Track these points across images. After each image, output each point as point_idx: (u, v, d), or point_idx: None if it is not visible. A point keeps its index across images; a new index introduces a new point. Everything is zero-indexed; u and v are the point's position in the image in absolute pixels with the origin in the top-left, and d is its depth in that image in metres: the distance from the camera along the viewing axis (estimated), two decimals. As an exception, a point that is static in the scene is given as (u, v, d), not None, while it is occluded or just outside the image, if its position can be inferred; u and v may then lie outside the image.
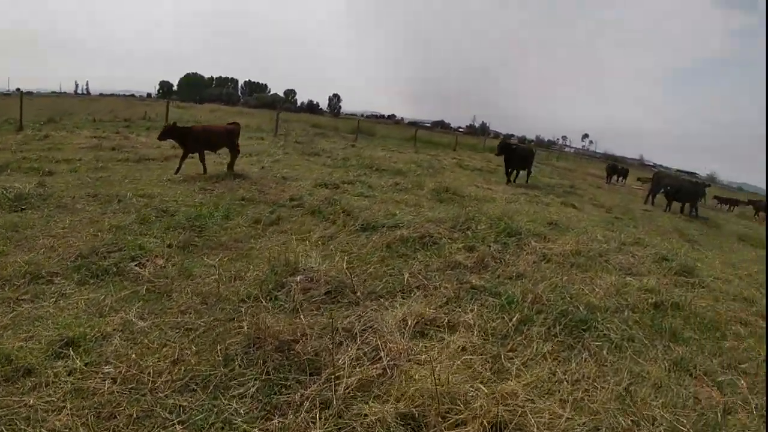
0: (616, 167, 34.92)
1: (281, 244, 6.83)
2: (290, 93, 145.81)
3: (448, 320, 4.89)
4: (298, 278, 5.43)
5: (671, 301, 6.24)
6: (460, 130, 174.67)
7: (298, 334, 4.28)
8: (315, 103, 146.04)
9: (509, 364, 4.24)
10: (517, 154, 17.95)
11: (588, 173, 40.88)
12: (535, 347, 4.56)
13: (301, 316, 4.66)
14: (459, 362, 4.12)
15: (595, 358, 4.53)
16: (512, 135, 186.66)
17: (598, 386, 4.08)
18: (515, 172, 18.66)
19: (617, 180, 34.40)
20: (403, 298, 5.43)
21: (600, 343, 4.78)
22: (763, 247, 15.69)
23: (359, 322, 4.60)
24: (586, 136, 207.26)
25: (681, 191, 19.62)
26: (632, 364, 4.54)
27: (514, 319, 4.98)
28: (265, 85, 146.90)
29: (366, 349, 4.19)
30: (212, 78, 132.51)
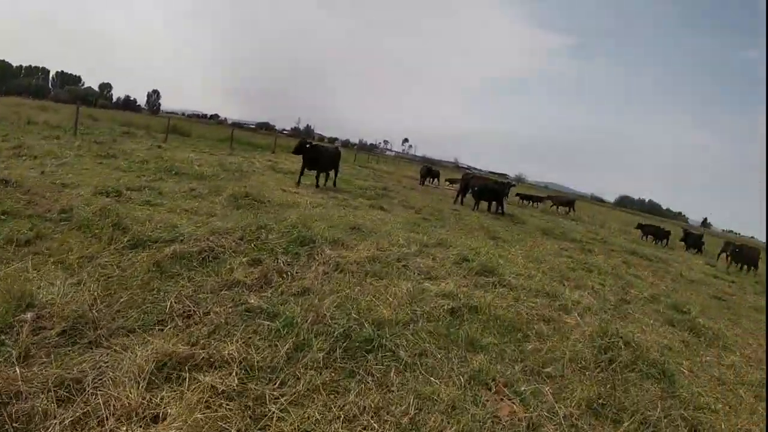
0: (430, 169, 36.76)
1: (23, 271, 5.44)
2: (106, 87, 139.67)
3: (206, 356, 4.12)
4: (29, 316, 4.36)
5: (470, 304, 6.14)
6: (285, 132, 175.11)
7: (12, 392, 3.39)
8: (132, 99, 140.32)
9: (273, 407, 3.59)
10: (320, 155, 17.31)
11: (405, 175, 42.44)
12: (308, 379, 3.98)
13: (17, 369, 3.62)
14: (202, 417, 3.37)
15: (379, 385, 4.08)
16: (336, 138, 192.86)
17: (381, 419, 3.62)
18: (325, 174, 18.17)
19: (431, 181, 36.24)
20: (161, 330, 4.56)
21: (387, 365, 4.36)
22: (564, 239, 17.36)
23: (94, 370, 3.74)
24: (406, 140, 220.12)
25: (487, 190, 21.02)
26: (422, 386, 4.17)
27: (287, 346, 4.37)
28: (79, 77, 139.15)
29: (90, 408, 3.38)
30: (21, 67, 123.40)
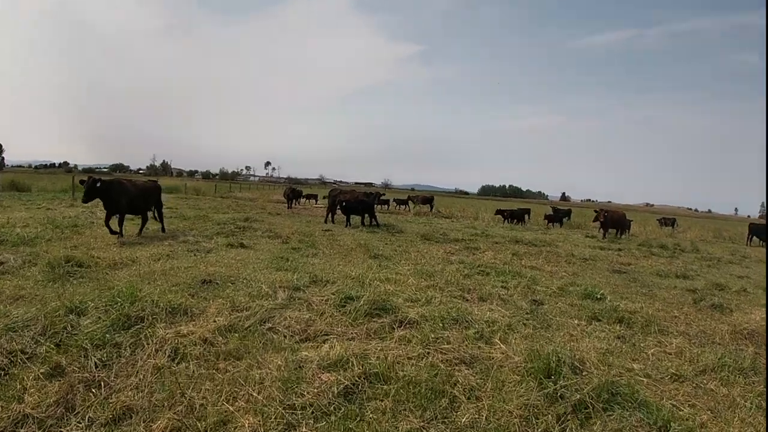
0: (294, 190, 34.78)
1: None
2: None
3: None
4: None
5: (368, 371, 4.41)
6: (141, 171, 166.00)
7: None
8: None
9: None
10: (121, 194, 12.91)
11: (269, 200, 40.14)
12: None
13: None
14: None
15: None
16: (196, 171, 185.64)
17: None
18: (142, 218, 14.12)
19: (296, 203, 34.30)
20: None
21: None
22: (446, 241, 16.20)
23: None
24: (268, 163, 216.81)
25: (356, 204, 19.53)
26: None
27: None
28: None
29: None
30: None
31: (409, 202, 40.57)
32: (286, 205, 32.07)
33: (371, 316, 6.17)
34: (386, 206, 38.37)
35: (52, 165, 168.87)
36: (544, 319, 7.18)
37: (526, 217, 32.27)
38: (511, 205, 42.19)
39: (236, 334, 5.39)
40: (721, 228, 43.04)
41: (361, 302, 6.41)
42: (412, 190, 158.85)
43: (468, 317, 6.47)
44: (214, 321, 5.72)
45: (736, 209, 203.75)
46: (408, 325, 6.03)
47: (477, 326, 6.20)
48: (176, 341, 5.17)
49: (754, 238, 29.60)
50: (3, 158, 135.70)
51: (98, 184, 12.21)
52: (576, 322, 7.18)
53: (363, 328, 5.78)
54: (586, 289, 9.36)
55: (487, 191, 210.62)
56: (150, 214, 14.71)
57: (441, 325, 6.10)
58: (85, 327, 5.50)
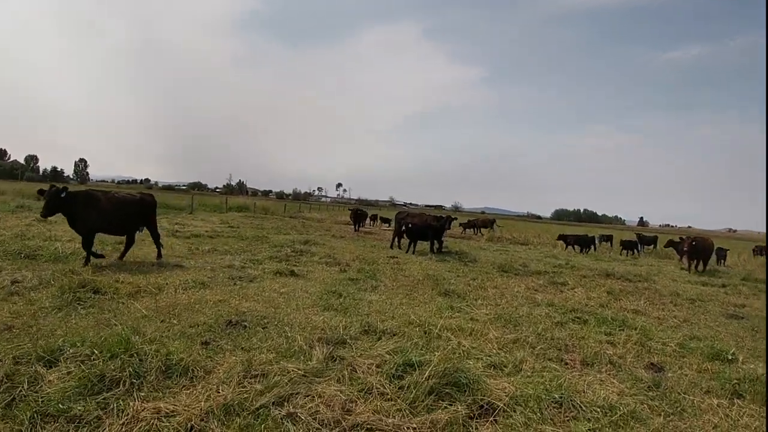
0: (359, 211, 33.09)
1: None
2: (32, 159, 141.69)
3: None
4: None
5: None
6: (218, 190, 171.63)
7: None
8: (60, 170, 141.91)
9: None
10: (91, 208, 10.37)
11: (337, 221, 39.04)
12: None
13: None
14: None
15: None
16: (270, 191, 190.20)
17: None
18: (127, 239, 11.68)
19: (358, 226, 32.43)
20: None
21: None
22: (527, 273, 14.17)
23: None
24: (340, 185, 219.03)
25: (424, 228, 17.74)
26: None
27: None
28: (4, 150, 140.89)
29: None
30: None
31: (475, 226, 39.63)
32: (353, 227, 30.54)
33: (439, 397, 4.32)
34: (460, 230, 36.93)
35: (134, 181, 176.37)
36: (673, 397, 5.19)
37: (597, 243, 29.28)
38: (587, 231, 39.14)
39: (238, 420, 3.72)
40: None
41: (427, 373, 4.55)
42: (483, 213, 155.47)
43: (575, 398, 4.56)
44: (217, 392, 4.09)
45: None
46: (492, 413, 4.19)
47: (590, 413, 4.31)
48: (151, 424, 3.58)
49: None
50: (87, 173, 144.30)
51: (62, 195, 9.89)
52: (716, 402, 5.14)
53: (426, 419, 3.97)
54: (712, 346, 7.27)
55: (560, 215, 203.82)
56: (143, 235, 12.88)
57: (539, 412, 4.23)
58: (48, 385, 4.04)
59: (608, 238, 30.82)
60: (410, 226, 17.58)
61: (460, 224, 38.07)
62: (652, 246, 30.89)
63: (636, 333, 7.67)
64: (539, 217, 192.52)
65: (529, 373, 5.33)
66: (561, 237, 29.65)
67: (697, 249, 19.39)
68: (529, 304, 9.63)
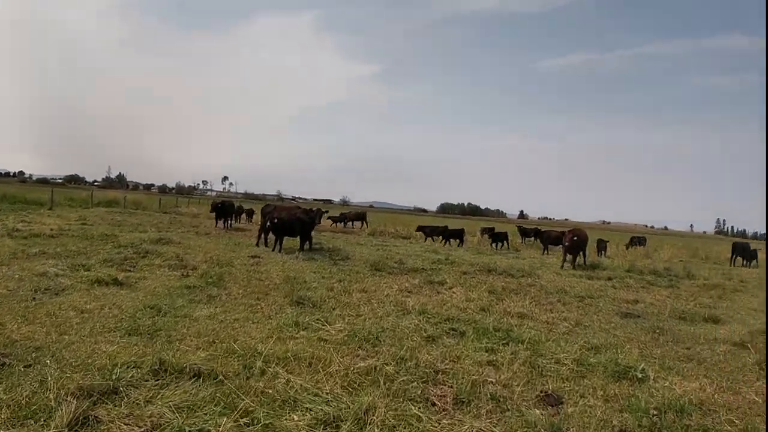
0: (225, 204, 27.07)
1: None
2: None
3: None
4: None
5: None
6: (96, 183, 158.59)
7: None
8: None
9: None
10: None
11: (212, 216, 35.78)
12: None
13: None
14: None
15: None
16: (152, 184, 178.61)
17: None
18: None
19: (227, 222, 27.65)
20: None
21: None
22: (402, 272, 12.66)
23: None
24: (225, 178, 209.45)
25: (291, 222, 15.77)
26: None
27: None
28: None
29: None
30: None
31: (345, 219, 37.68)
32: (218, 223, 26.01)
33: None
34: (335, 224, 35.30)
35: (7, 174, 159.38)
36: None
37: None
38: (471, 224, 38.85)
39: None
40: (690, 245, 41.00)
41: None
42: (371, 207, 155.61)
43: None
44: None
45: (691, 225, 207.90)
46: None
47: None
48: None
49: (738, 258, 27.17)
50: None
51: None
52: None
53: None
54: (615, 360, 6.00)
55: (446, 209, 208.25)
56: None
57: None
58: None
59: (489, 231, 30.10)
60: (275, 221, 15.50)
61: (329, 217, 34.64)
62: (533, 238, 30.59)
63: (524, 348, 6.25)
64: (425, 211, 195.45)
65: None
66: (420, 228, 28.83)
67: (578, 242, 18.15)
68: (398, 312, 8.01)
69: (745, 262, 27.03)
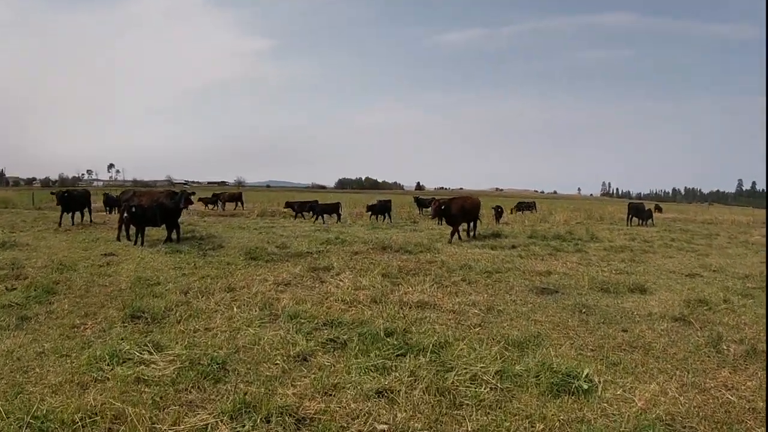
0: (70, 193, 23.55)
1: None
2: None
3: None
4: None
5: None
6: None
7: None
8: None
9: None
10: None
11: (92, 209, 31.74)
12: None
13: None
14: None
15: None
16: (34, 178, 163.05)
17: None
18: None
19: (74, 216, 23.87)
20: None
21: None
22: (273, 261, 10.76)
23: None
24: (111, 166, 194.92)
25: (150, 209, 13.34)
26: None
27: None
28: None
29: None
30: None
31: (218, 201, 34.20)
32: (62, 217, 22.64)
33: None
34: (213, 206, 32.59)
35: None
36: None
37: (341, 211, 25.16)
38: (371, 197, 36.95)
39: None
40: (582, 208, 41.82)
41: None
42: (267, 187, 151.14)
43: None
44: None
45: (579, 189, 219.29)
46: None
47: None
48: None
49: (634, 218, 27.58)
50: None
51: None
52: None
53: None
54: (548, 364, 4.52)
55: (344, 184, 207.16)
56: None
57: None
58: None
59: (385, 204, 28.05)
60: (134, 209, 12.97)
61: (201, 199, 32.23)
62: (430, 208, 29.27)
63: (427, 361, 4.58)
64: (324, 187, 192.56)
65: None
66: (288, 204, 26.44)
67: (464, 210, 15.83)
68: (264, 317, 6.14)
69: (640, 222, 27.38)
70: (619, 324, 6.33)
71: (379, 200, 27.52)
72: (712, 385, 4.40)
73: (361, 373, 4.29)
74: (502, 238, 16.18)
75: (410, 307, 6.69)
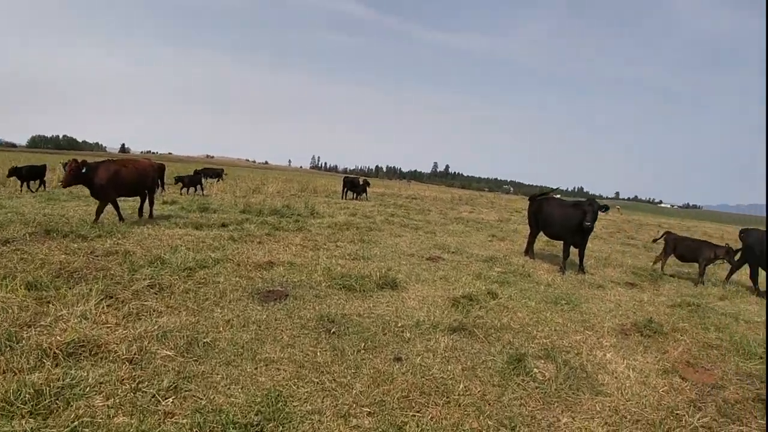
0: None
1: None
2: None
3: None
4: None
5: None
6: None
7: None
8: None
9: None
10: None
11: None
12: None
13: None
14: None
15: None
16: None
17: None
18: None
19: None
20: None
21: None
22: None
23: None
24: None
25: None
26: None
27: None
28: None
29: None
30: None
31: None
32: None
33: None
34: None
35: None
36: None
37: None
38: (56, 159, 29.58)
39: None
40: (294, 179, 41.40)
41: None
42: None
43: None
44: None
45: (290, 161, 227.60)
46: None
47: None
48: None
49: (349, 192, 27.49)
50: None
51: None
52: None
53: None
54: None
55: (38, 143, 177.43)
56: None
57: None
58: None
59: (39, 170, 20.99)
60: None
61: None
62: (217, 179, 28.18)
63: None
64: (14, 146, 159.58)
65: None
66: (13, 171, 18.32)
67: (119, 180, 10.70)
68: None
69: (354, 195, 27.62)
70: (385, 347, 4.43)
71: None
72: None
73: None
74: (211, 212, 13.45)
75: (53, 357, 3.73)
